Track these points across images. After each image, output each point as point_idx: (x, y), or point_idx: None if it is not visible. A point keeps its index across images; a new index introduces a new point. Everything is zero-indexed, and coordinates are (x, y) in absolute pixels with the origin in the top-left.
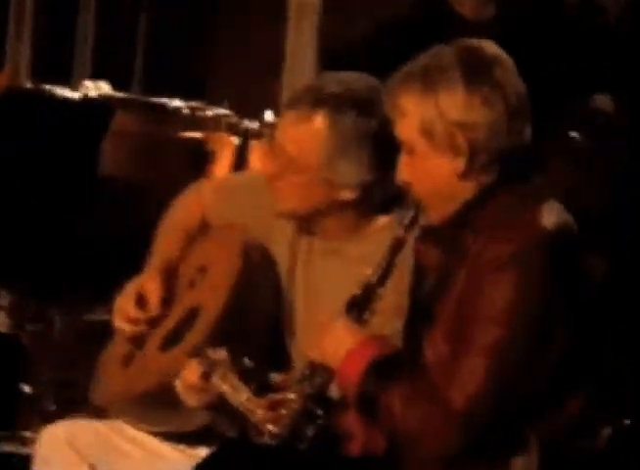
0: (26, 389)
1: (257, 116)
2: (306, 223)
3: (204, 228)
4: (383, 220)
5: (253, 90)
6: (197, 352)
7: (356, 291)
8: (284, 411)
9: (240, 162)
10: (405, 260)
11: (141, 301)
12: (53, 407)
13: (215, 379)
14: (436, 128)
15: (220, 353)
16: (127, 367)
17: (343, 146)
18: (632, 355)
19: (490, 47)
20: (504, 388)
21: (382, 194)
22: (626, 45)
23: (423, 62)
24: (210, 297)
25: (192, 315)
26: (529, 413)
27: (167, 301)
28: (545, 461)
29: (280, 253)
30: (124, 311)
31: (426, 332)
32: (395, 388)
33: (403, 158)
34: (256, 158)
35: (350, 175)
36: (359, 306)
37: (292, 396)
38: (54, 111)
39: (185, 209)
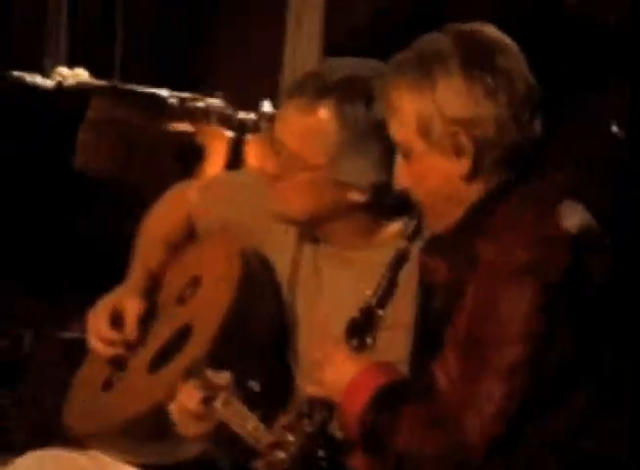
0: None
1: (254, 107)
2: (311, 229)
3: (189, 235)
4: (395, 228)
5: (251, 85)
6: (194, 375)
7: (355, 314)
8: (282, 455)
9: (234, 158)
10: (410, 275)
11: (116, 319)
12: (21, 436)
13: (218, 405)
14: (435, 127)
15: (222, 376)
16: (108, 391)
17: (352, 140)
18: (632, 355)
19: (491, 31)
20: (521, 408)
21: (394, 197)
22: (626, 45)
23: (416, 51)
24: (206, 313)
25: (183, 334)
26: (532, 414)
27: (148, 317)
28: (547, 462)
29: (280, 261)
30: (97, 332)
31: (436, 354)
32: (403, 417)
33: (400, 161)
34: (253, 153)
35: (360, 174)
36: (360, 331)
37: (289, 437)
38: (24, 99)
39: (168, 213)
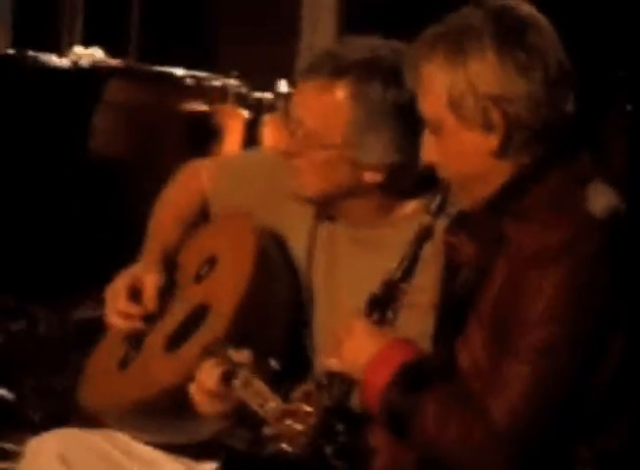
0: (7, 395)
1: (270, 86)
2: (327, 208)
3: (203, 214)
4: (412, 206)
5: (267, 59)
6: (213, 353)
7: (377, 289)
8: (299, 427)
9: (250, 137)
10: (433, 252)
11: (135, 294)
12: (38, 415)
13: (237, 383)
14: (467, 102)
15: (243, 354)
16: (124, 370)
17: (369, 120)
18: None
19: (524, 7)
20: (552, 399)
21: (412, 177)
22: None
23: (448, 26)
24: (223, 292)
25: (200, 312)
26: (581, 431)
27: (165, 295)
28: (578, 451)
29: (297, 240)
30: (116, 306)
31: (459, 335)
32: (427, 400)
33: (428, 136)
34: (269, 133)
35: (377, 154)
36: (381, 306)
37: (308, 408)
38: (39, 79)
39: (182, 192)
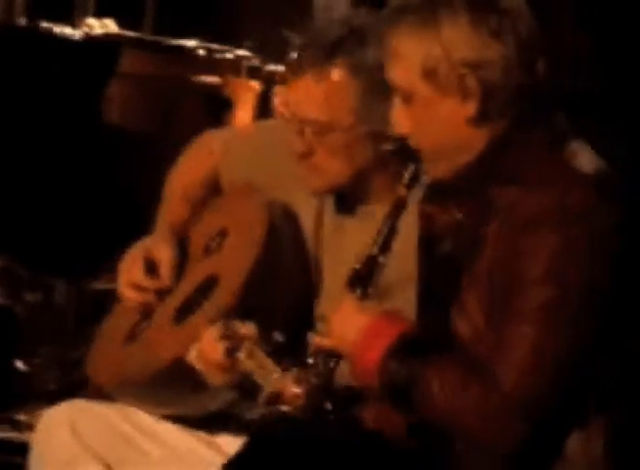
0: (21, 366)
1: (283, 59)
2: (352, 190)
3: (215, 188)
4: None
5: (280, 36)
6: (219, 324)
7: (357, 264)
8: (286, 408)
9: (263, 110)
10: (408, 224)
11: (150, 267)
12: (52, 387)
13: (241, 356)
14: (441, 69)
15: (248, 327)
16: (132, 342)
17: (373, 87)
18: None
19: None
20: (558, 358)
21: None
22: None
23: None
24: (232, 264)
25: (209, 285)
26: (593, 394)
27: (177, 268)
28: (611, 449)
29: (305, 214)
30: (131, 279)
31: (450, 303)
32: (430, 368)
33: (399, 106)
34: (281, 105)
35: (388, 119)
36: (363, 281)
37: (296, 390)
38: (52, 51)
39: (194, 165)
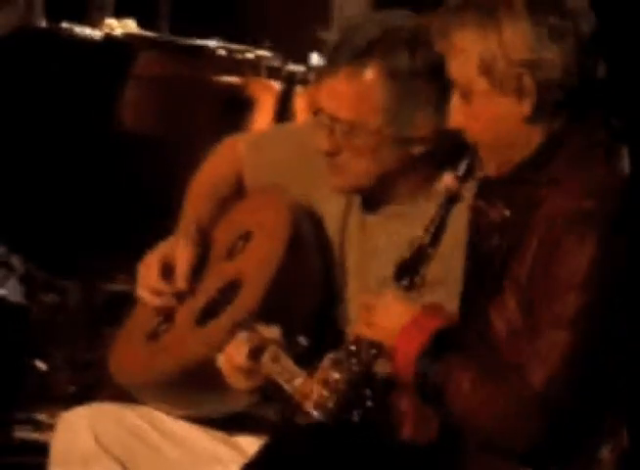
0: (41, 366)
1: (303, 59)
2: (377, 191)
3: (239, 190)
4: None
5: (300, 36)
6: (243, 328)
7: (405, 253)
8: (326, 393)
9: (283, 110)
10: (458, 219)
11: (167, 270)
12: (71, 389)
13: (266, 359)
14: (499, 67)
15: (272, 330)
16: (153, 342)
17: (404, 91)
18: None
19: None
20: (590, 364)
21: (454, 140)
22: None
23: None
24: (256, 267)
25: (232, 287)
26: (618, 396)
27: (197, 271)
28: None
29: (330, 214)
30: (148, 282)
31: (491, 300)
32: (462, 367)
33: (457, 100)
34: (302, 106)
35: (419, 122)
36: (410, 271)
37: (336, 375)
38: (72, 51)
39: (218, 166)
